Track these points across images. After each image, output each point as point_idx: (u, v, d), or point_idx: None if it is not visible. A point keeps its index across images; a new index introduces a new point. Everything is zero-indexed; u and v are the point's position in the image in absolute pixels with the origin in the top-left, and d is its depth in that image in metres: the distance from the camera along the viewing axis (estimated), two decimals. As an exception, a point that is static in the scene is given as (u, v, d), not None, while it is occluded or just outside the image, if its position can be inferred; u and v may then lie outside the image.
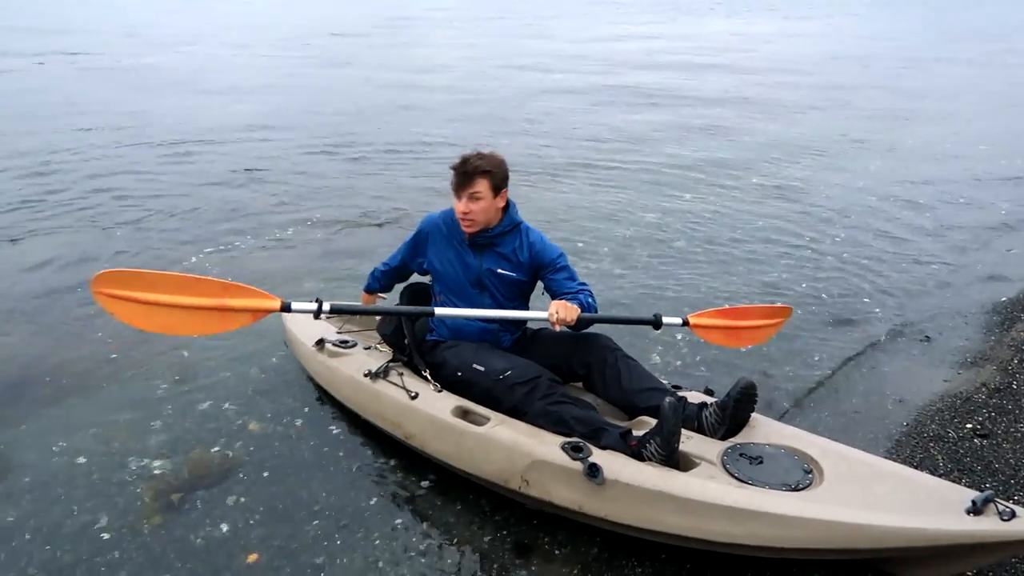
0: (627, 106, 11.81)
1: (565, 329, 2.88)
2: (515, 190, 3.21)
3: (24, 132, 9.64)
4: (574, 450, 2.62)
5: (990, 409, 3.56)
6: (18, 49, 16.79)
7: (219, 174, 7.98)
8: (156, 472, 3.22)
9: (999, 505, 2.21)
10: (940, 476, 3.08)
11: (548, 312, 2.87)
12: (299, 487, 3.11)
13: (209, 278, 2.38)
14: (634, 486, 2.51)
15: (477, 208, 2.99)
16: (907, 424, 3.51)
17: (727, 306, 3.42)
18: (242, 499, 3.04)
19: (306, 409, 3.67)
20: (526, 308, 3.32)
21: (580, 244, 5.91)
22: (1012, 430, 3.38)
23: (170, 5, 28.39)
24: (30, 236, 6.10)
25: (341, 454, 3.33)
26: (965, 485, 3.00)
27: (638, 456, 2.60)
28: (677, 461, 2.59)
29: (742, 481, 2.48)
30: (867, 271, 5.45)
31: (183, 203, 6.98)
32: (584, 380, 3.06)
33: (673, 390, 2.97)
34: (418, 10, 27.41)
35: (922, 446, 3.30)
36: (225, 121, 10.50)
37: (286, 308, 2.56)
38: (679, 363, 4.16)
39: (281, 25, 23.56)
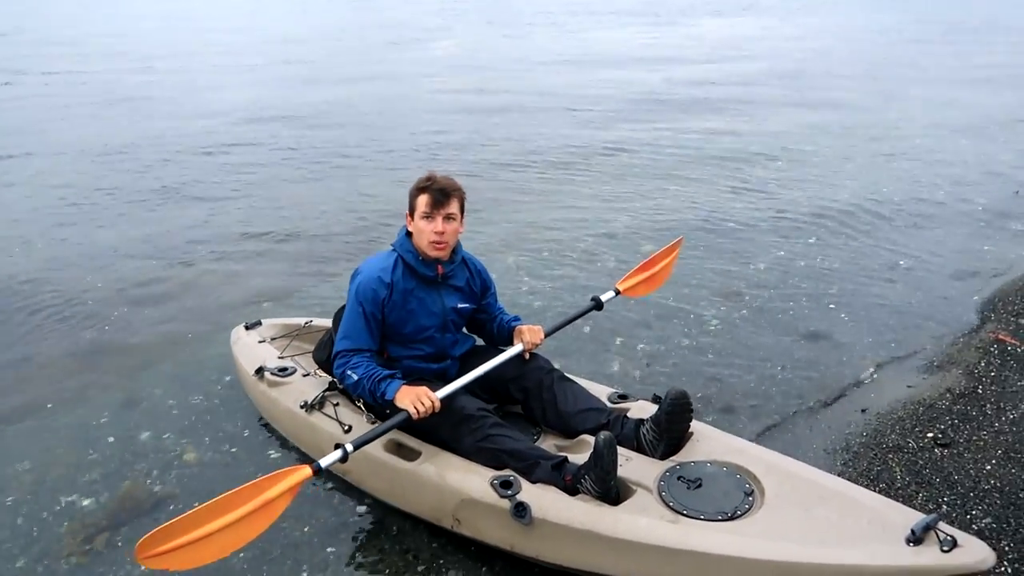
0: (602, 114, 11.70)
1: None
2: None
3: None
4: (503, 486, 2.50)
5: (953, 416, 3.44)
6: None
7: (179, 188, 7.85)
8: (84, 508, 3.11)
9: (940, 533, 2.08)
10: (898, 489, 2.97)
11: (523, 344, 2.93)
12: (229, 519, 2.98)
13: (237, 489, 2.25)
14: (563, 525, 2.38)
15: (450, 230, 2.80)
16: (867, 434, 3.38)
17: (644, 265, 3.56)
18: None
19: (246, 433, 3.56)
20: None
21: (546, 254, 5.79)
22: (975, 438, 3.26)
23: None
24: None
25: (277, 483, 3.19)
26: (922, 499, 2.90)
27: (572, 491, 2.47)
28: (616, 493, 2.47)
29: (676, 511, 2.35)
30: (834, 273, 5.30)
31: (147, 215, 6.90)
32: (522, 405, 2.94)
33: (611, 409, 2.85)
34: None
35: (880, 458, 3.18)
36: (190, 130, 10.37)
37: (317, 471, 2.40)
38: (638, 373, 4.03)
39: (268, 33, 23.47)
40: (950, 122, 10.30)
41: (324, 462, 2.43)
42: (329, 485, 3.13)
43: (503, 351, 2.94)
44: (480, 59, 17.86)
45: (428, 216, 2.77)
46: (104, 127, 10.86)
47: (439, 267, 2.86)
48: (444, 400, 2.65)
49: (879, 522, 2.22)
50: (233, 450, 3.44)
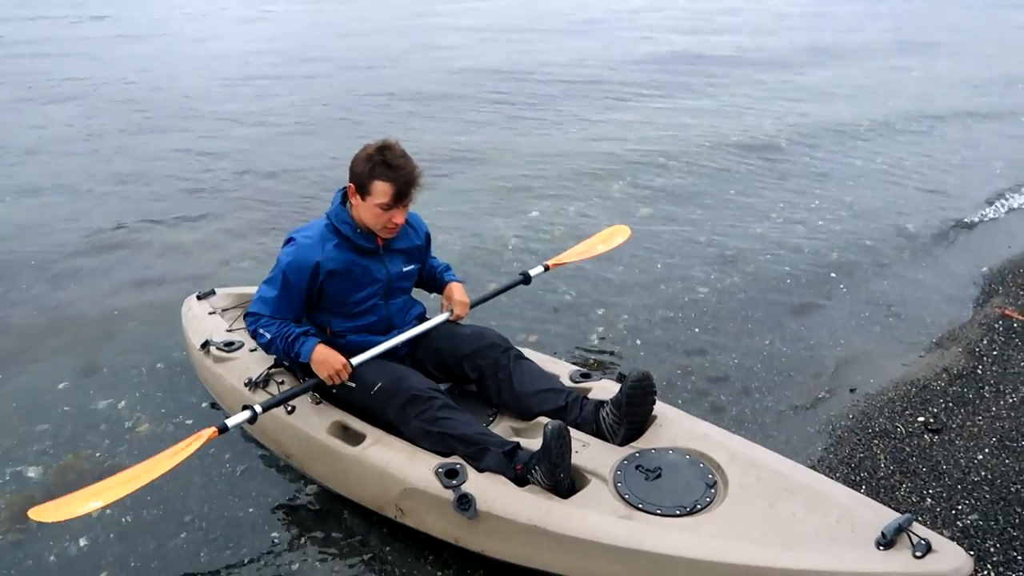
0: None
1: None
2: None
3: None
4: (447, 475, 2.33)
5: (948, 399, 3.23)
6: None
7: (148, 142, 7.64)
8: (30, 480, 2.99)
9: (913, 535, 1.90)
10: (880, 479, 2.78)
11: (452, 312, 2.87)
12: (174, 495, 2.85)
13: (145, 462, 2.27)
14: (509, 519, 2.21)
15: (406, 215, 2.64)
16: (853, 416, 3.18)
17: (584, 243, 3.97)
18: (108, 510, 2.74)
19: (203, 405, 3.40)
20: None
21: (535, 213, 5.57)
22: (968, 424, 3.05)
23: None
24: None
25: (228, 456, 3.05)
26: (905, 490, 2.71)
27: (522, 481, 2.30)
28: (570, 484, 2.29)
29: (631, 505, 2.17)
30: (836, 240, 5.05)
31: (117, 170, 6.73)
32: (477, 384, 2.75)
33: (570, 389, 2.65)
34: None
35: (865, 443, 2.98)
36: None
37: (223, 429, 2.41)
38: (618, 347, 3.83)
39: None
40: (976, 92, 9.84)
41: (231, 422, 2.41)
42: (282, 463, 2.98)
43: (429, 319, 2.87)
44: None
45: (388, 208, 2.54)
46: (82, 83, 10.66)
47: (379, 238, 2.65)
48: (358, 368, 2.58)
49: (848, 521, 2.03)
50: (189, 422, 3.29)
